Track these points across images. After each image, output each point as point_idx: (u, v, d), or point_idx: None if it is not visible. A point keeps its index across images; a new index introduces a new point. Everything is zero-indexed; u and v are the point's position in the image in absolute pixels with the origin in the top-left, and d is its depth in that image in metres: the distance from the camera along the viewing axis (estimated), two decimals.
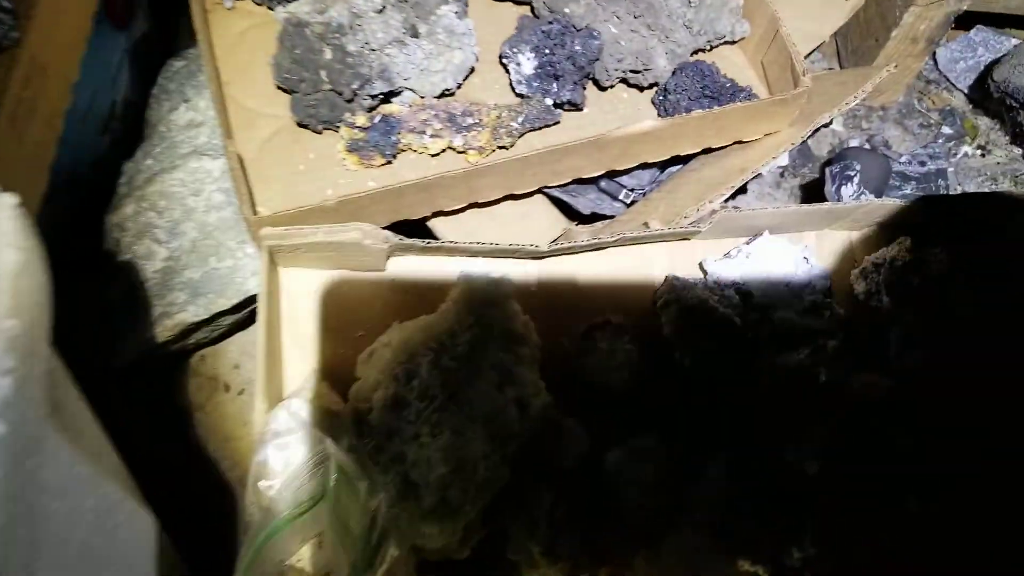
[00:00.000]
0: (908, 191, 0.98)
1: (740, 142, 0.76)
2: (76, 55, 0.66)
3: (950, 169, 1.02)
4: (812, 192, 0.98)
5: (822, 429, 0.65)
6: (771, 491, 0.62)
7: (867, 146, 1.03)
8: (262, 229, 0.61)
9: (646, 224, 0.69)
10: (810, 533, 0.61)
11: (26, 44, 0.59)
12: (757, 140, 0.76)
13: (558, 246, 0.66)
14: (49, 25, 0.62)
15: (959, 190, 1.01)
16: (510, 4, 0.82)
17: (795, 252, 0.71)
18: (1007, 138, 1.03)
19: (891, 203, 0.71)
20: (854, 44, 1.01)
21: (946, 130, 1.05)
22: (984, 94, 1.01)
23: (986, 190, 1.02)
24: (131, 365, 0.67)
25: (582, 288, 0.71)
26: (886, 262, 0.71)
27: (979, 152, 1.04)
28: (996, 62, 0.96)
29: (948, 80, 1.08)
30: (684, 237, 0.70)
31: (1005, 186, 1.02)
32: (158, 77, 0.80)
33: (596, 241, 0.67)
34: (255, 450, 0.55)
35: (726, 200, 0.71)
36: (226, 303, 0.68)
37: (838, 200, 0.86)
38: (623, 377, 0.66)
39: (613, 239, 0.66)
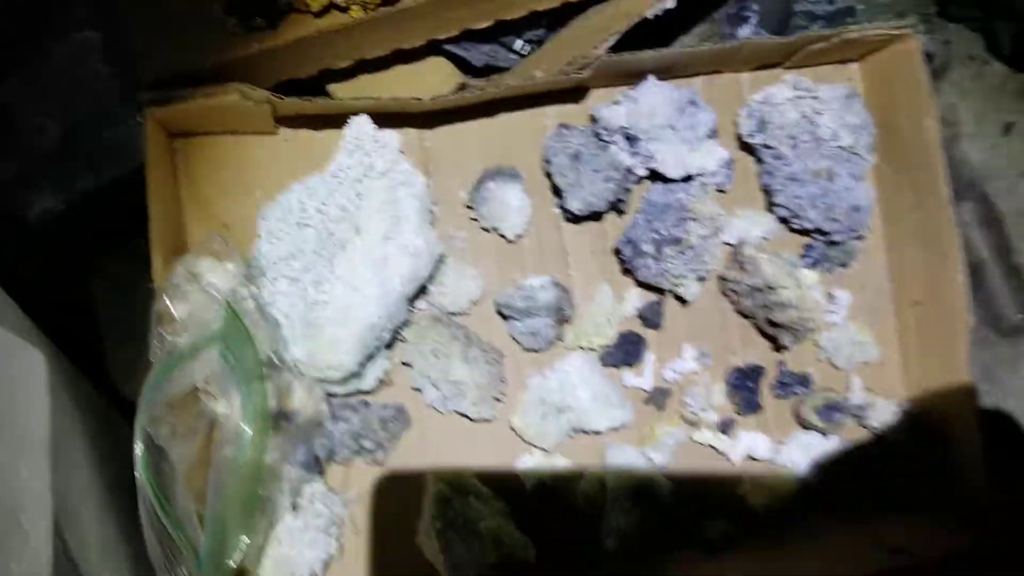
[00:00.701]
0: (816, 29, 0.99)
1: None
2: None
3: (859, 7, 1.03)
4: None
5: None
6: None
7: None
8: (146, 95, 0.63)
9: (535, 74, 0.71)
10: None
11: None
12: None
13: (442, 97, 0.69)
14: None
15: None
16: None
17: (680, 95, 0.73)
18: None
19: (773, 40, 0.73)
20: None
21: None
22: None
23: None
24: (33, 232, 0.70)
25: (474, 146, 0.75)
26: (764, 100, 0.75)
27: None
28: None
29: None
30: (569, 86, 0.72)
31: (913, 22, 1.03)
32: None
33: (479, 93, 0.69)
34: (155, 301, 0.60)
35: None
36: (120, 169, 0.71)
37: (735, 37, 0.87)
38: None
39: (497, 89, 0.69)
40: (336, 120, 0.70)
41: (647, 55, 0.70)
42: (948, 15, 1.01)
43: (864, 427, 0.78)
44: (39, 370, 0.45)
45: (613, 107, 0.73)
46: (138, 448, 0.53)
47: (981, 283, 0.94)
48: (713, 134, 0.74)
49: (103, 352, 0.84)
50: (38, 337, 0.53)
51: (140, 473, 0.53)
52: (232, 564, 0.59)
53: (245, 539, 0.60)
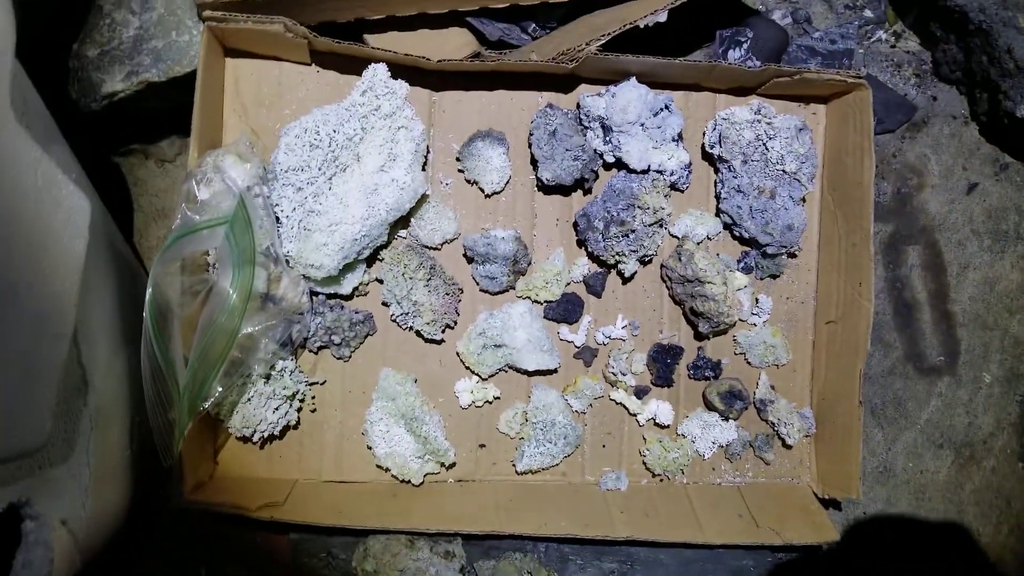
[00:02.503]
0: (813, 65, 1.08)
1: None
2: None
3: (859, 51, 1.12)
4: None
5: None
6: None
7: (789, 19, 1.12)
8: (205, 11, 0.76)
9: (530, 56, 0.82)
10: None
11: None
12: None
13: (449, 61, 0.81)
14: None
15: (863, 72, 1.11)
16: None
17: (657, 99, 0.84)
18: (916, 38, 1.11)
19: (740, 68, 0.83)
20: None
21: (868, 13, 1.13)
22: None
23: (887, 74, 1.12)
24: (101, 111, 0.84)
25: (473, 110, 0.87)
26: (727, 116, 0.85)
27: (892, 38, 1.13)
28: None
29: None
30: (559, 72, 0.83)
31: (907, 73, 1.12)
32: None
33: (480, 63, 0.81)
34: (185, 181, 0.73)
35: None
36: (181, 70, 0.84)
37: (723, 57, 0.97)
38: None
39: (493, 63, 0.80)
40: (361, 64, 0.82)
41: (627, 57, 0.81)
42: (940, 74, 1.09)
43: (763, 420, 0.90)
44: (84, 212, 0.58)
45: (596, 98, 0.84)
46: (148, 293, 0.67)
47: (912, 321, 1.04)
48: (679, 138, 0.85)
49: (142, 221, 0.99)
50: (88, 188, 0.67)
51: (146, 312, 0.67)
52: (204, 406, 0.73)
53: (219, 388, 0.74)
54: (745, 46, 0.98)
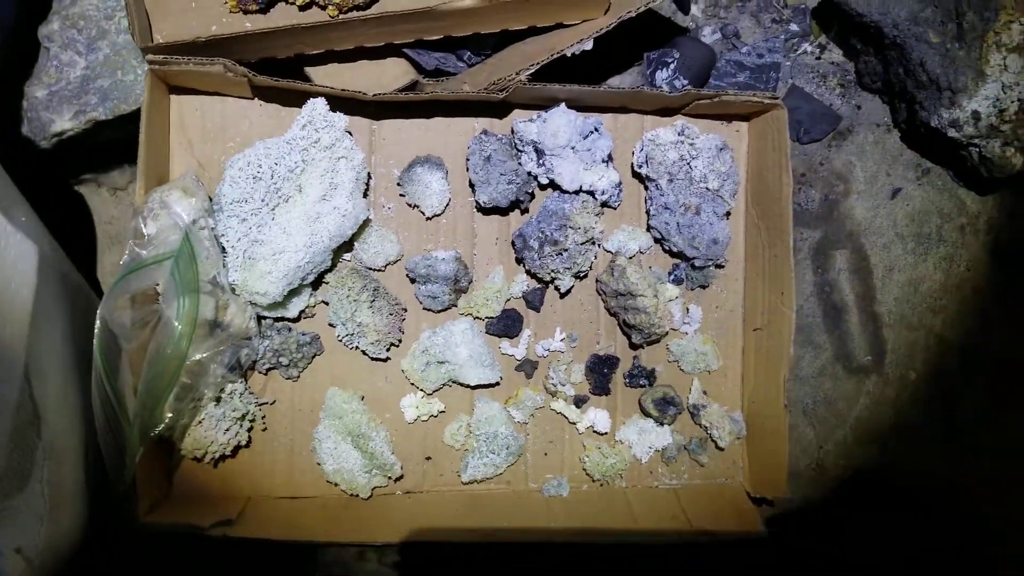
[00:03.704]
0: (742, 79, 1.13)
1: (562, 25, 0.92)
2: None
3: (786, 64, 1.17)
4: None
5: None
6: None
7: (718, 34, 1.17)
8: (147, 55, 0.79)
9: (463, 87, 0.86)
10: None
11: None
12: (576, 24, 0.92)
13: (384, 94, 0.85)
14: None
15: (789, 84, 1.16)
16: None
17: (585, 123, 0.89)
18: (839, 49, 1.16)
19: (662, 93, 0.87)
20: None
21: (793, 27, 1.18)
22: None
23: (813, 85, 1.17)
24: (52, 148, 0.88)
25: (412, 138, 0.91)
26: (653, 138, 0.90)
27: (817, 50, 1.18)
28: None
29: None
30: (490, 100, 0.88)
31: (832, 84, 1.17)
32: None
33: (414, 96, 0.85)
34: (132, 217, 0.77)
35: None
36: (128, 108, 0.88)
37: (652, 83, 1.02)
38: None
39: (427, 95, 0.84)
40: (302, 96, 0.85)
41: (555, 87, 0.85)
42: (863, 84, 1.15)
43: (697, 424, 0.95)
44: (31, 258, 0.62)
45: (528, 123, 0.88)
46: (96, 328, 0.71)
47: (841, 323, 1.10)
48: (609, 159, 0.90)
49: (96, 247, 1.02)
50: (37, 229, 0.71)
51: (95, 347, 0.70)
52: (155, 432, 0.76)
53: (170, 415, 0.77)
54: (672, 67, 1.02)
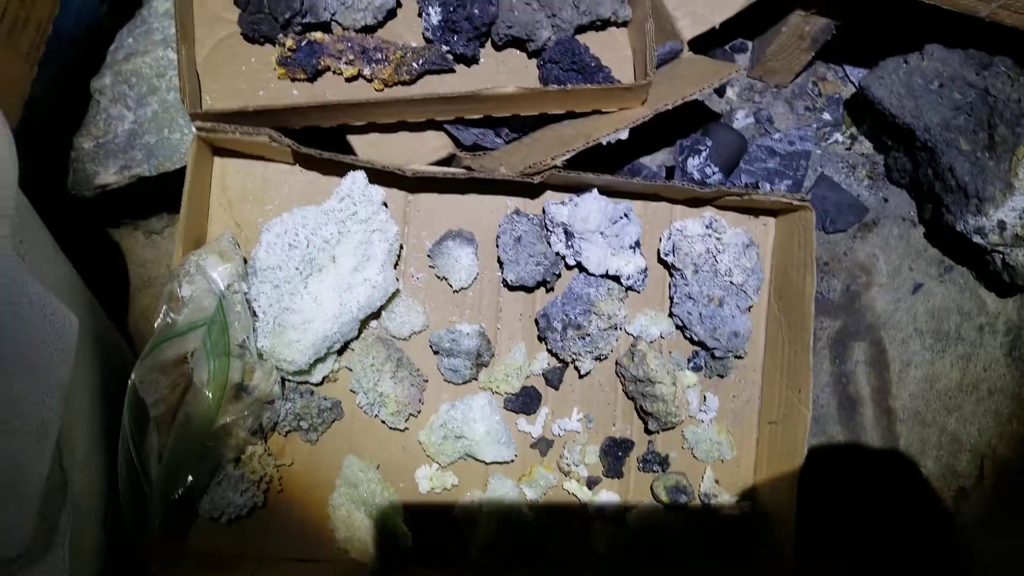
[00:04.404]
0: (771, 165, 1.15)
1: (599, 111, 0.94)
2: None
3: (816, 152, 1.19)
4: None
5: None
6: None
7: (751, 119, 1.19)
8: (197, 121, 0.81)
9: (499, 170, 0.88)
10: None
11: None
12: (612, 112, 0.94)
13: (423, 169, 0.86)
14: None
15: (818, 172, 1.18)
16: None
17: (615, 209, 0.90)
18: (870, 142, 1.18)
19: (692, 188, 0.89)
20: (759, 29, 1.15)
21: (826, 116, 1.20)
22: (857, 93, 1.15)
23: (842, 175, 1.19)
24: (94, 197, 0.90)
25: (445, 212, 0.92)
26: (681, 229, 0.91)
27: (848, 140, 1.20)
28: (869, 72, 1.10)
29: (846, 73, 1.22)
30: (524, 184, 0.89)
31: (860, 175, 1.19)
32: None
33: (454, 177, 0.87)
34: (167, 281, 0.79)
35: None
36: (172, 166, 0.90)
37: (683, 169, 1.04)
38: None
39: (465, 175, 0.86)
40: (341, 166, 0.88)
41: (589, 175, 0.87)
42: (891, 178, 1.16)
43: (707, 510, 0.95)
44: (72, 330, 0.64)
45: (560, 206, 0.90)
46: (127, 395, 0.72)
47: (855, 415, 1.10)
48: (637, 245, 0.91)
49: (128, 289, 1.04)
50: (76, 289, 0.72)
51: (125, 414, 0.72)
52: (177, 495, 0.77)
53: (191, 478, 0.79)
54: (704, 154, 1.04)
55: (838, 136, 1.20)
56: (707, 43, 1.15)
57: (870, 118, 1.14)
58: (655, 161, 1.12)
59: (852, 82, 1.22)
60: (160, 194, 0.96)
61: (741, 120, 1.19)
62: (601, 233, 0.89)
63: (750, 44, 1.23)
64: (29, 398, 0.60)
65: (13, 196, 0.58)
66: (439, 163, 0.98)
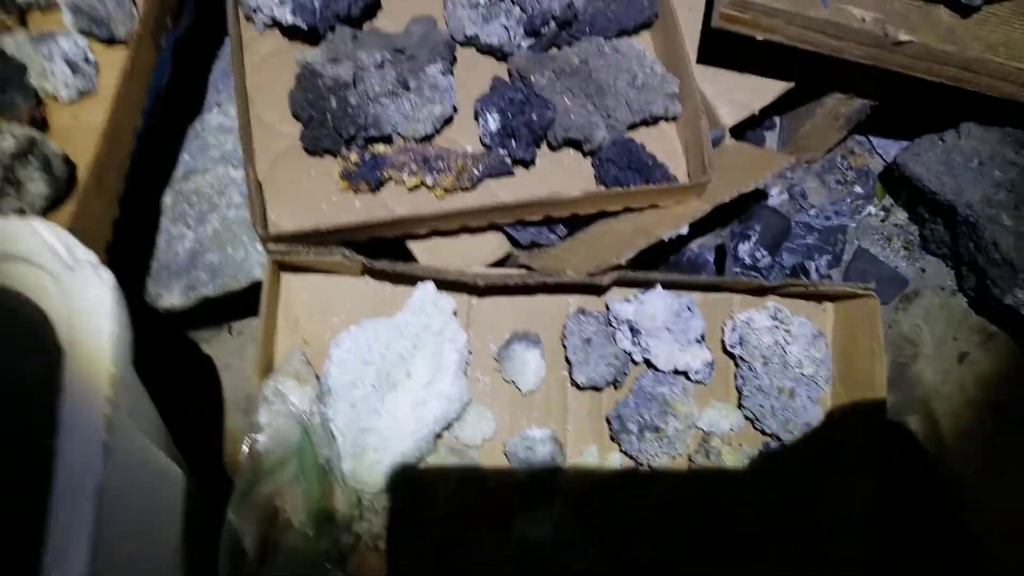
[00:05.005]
0: (810, 241, 1.17)
1: (655, 206, 0.95)
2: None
3: (852, 225, 1.21)
4: None
5: None
6: None
7: (785, 195, 1.21)
8: (269, 244, 0.81)
9: (566, 272, 0.89)
10: None
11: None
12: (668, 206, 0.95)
13: (491, 275, 0.87)
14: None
15: (856, 246, 1.20)
16: (492, 60, 0.98)
17: (679, 303, 0.91)
18: (905, 212, 1.21)
19: (757, 281, 0.90)
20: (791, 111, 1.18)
21: (857, 189, 1.23)
22: (891, 168, 1.18)
23: (879, 246, 1.21)
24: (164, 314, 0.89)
25: (509, 314, 0.93)
26: (747, 321, 0.92)
27: (882, 212, 1.22)
28: (904, 148, 1.13)
29: (873, 145, 1.25)
30: (592, 285, 0.90)
31: (896, 245, 1.21)
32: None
33: (522, 282, 0.87)
34: (248, 410, 0.78)
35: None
36: (237, 285, 0.89)
37: (736, 255, 1.05)
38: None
39: (535, 282, 0.87)
40: (407, 278, 0.88)
41: (655, 274, 0.88)
42: (927, 248, 1.18)
43: None
44: (179, 482, 0.63)
45: (624, 304, 0.90)
46: (224, 538, 0.71)
47: (913, 491, 1.10)
48: (702, 339, 0.92)
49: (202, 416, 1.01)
50: (176, 454, 0.71)
51: (220, 559, 0.70)
52: None
53: None
54: (754, 239, 1.06)
55: (871, 208, 1.23)
56: (741, 125, 1.17)
57: (906, 192, 1.16)
58: (705, 244, 1.14)
59: (879, 154, 1.25)
60: (222, 308, 0.95)
61: (776, 196, 1.22)
62: (668, 329, 0.90)
63: (777, 120, 1.26)
64: (144, 550, 0.58)
65: (132, 375, 0.57)
66: (497, 263, 0.98)
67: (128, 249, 0.90)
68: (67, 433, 0.51)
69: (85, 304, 0.52)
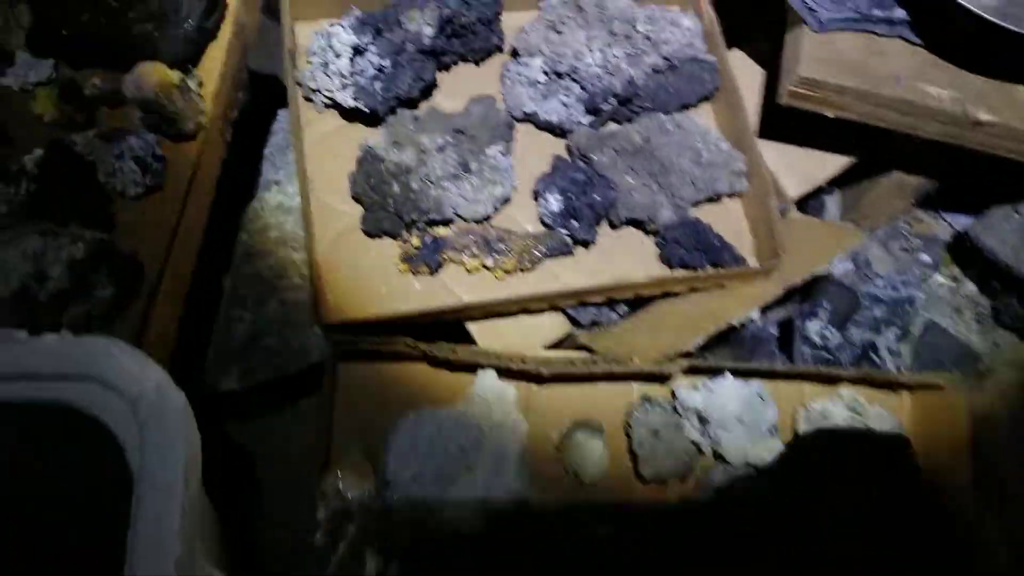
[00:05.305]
0: (878, 314, 1.12)
1: (722, 286, 0.92)
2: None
3: (920, 296, 1.16)
4: None
5: None
6: None
7: (850, 264, 1.17)
8: (332, 335, 0.80)
9: (632, 360, 0.86)
10: None
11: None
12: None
13: (555, 363, 0.84)
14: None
15: (925, 318, 1.15)
16: (550, 137, 0.96)
17: (750, 390, 0.87)
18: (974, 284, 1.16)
19: (834, 370, 0.87)
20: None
21: (924, 257, 1.18)
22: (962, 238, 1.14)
23: (949, 319, 1.16)
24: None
25: (571, 402, 0.89)
26: (822, 412, 0.88)
27: (951, 282, 1.18)
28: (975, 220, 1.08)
29: (938, 211, 1.21)
30: (659, 374, 0.87)
31: (967, 318, 1.16)
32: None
33: (588, 371, 0.85)
34: (318, 512, 0.75)
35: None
36: (294, 368, 0.88)
37: (804, 336, 1.01)
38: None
39: (602, 371, 0.84)
40: (466, 364, 0.85)
41: (727, 362, 0.85)
42: (1000, 322, 1.13)
43: None
44: None
45: (692, 392, 0.87)
46: None
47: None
48: (774, 430, 0.88)
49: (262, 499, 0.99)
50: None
51: None
52: None
53: None
54: (823, 317, 1.02)
55: (939, 278, 1.18)
56: None
57: (979, 264, 1.12)
58: (770, 317, 1.10)
59: (946, 221, 1.21)
60: (281, 393, 0.94)
61: (839, 266, 1.18)
62: (739, 420, 0.86)
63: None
64: None
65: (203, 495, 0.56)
66: (556, 344, 0.95)
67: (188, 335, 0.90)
68: (138, 561, 0.49)
69: (157, 431, 0.50)
